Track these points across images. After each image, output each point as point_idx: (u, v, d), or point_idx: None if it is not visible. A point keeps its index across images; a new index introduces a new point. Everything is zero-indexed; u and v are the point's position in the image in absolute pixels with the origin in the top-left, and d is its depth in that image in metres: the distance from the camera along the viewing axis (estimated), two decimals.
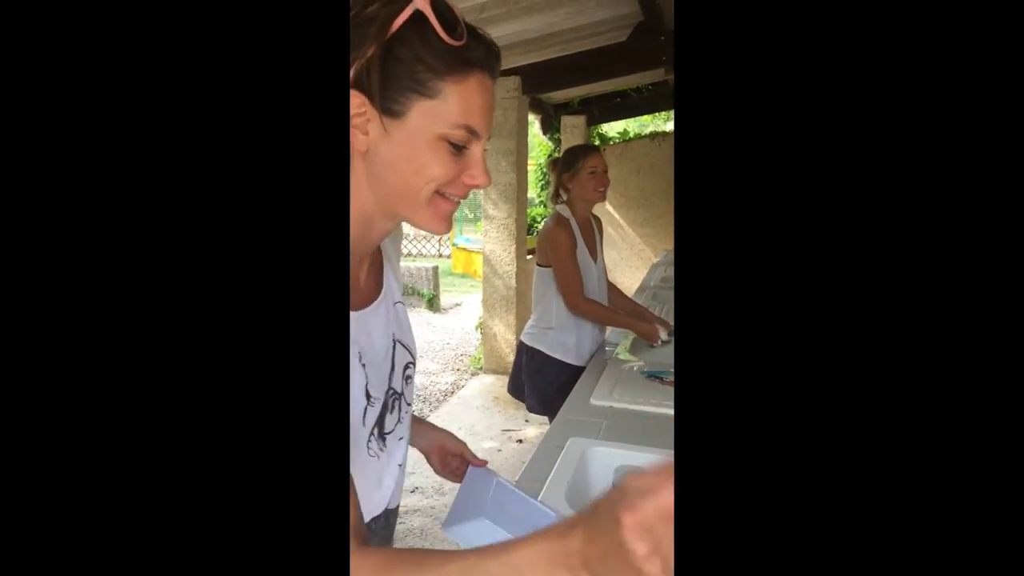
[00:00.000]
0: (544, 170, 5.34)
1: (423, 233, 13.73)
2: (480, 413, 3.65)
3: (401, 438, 0.73)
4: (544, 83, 3.89)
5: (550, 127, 5.69)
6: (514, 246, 3.98)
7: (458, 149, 0.56)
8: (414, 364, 0.76)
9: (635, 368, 1.78)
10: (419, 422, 0.90)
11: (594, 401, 1.54)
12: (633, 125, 7.22)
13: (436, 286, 7.10)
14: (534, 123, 5.72)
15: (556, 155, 5.36)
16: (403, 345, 0.73)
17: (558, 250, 1.92)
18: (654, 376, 1.70)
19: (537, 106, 5.20)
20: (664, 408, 1.48)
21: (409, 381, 0.74)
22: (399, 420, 0.72)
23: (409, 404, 0.75)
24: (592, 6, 2.71)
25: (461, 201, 0.60)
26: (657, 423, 1.42)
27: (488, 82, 0.57)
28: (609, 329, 2.13)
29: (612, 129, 6.31)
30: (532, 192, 7.36)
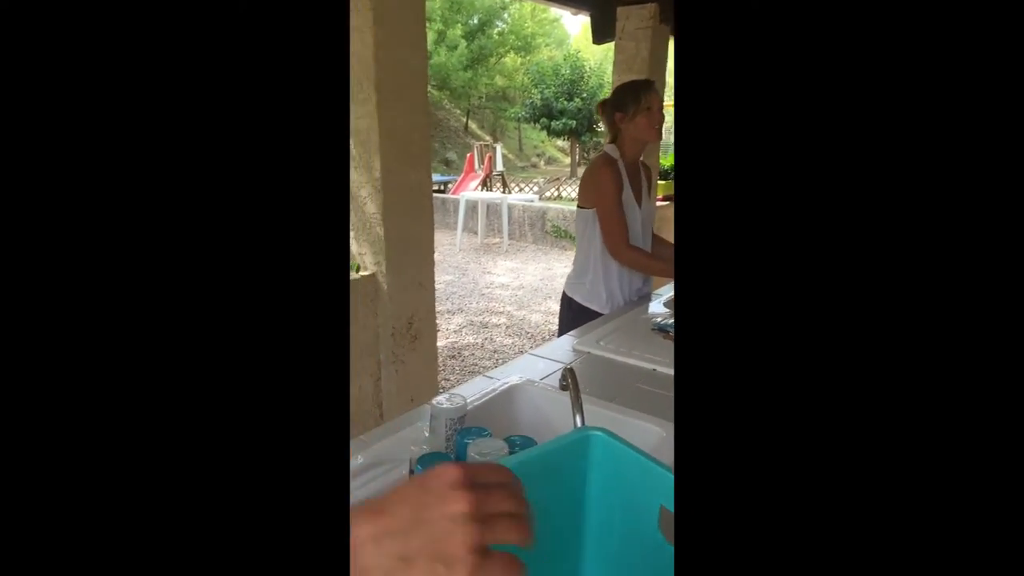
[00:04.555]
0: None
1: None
2: None
3: None
4: None
5: None
6: None
7: None
8: None
9: (660, 320, 1.70)
10: None
11: (577, 346, 1.52)
12: None
13: None
14: None
15: None
16: None
17: (603, 193, 1.86)
18: (661, 329, 1.62)
19: None
20: (633, 359, 1.41)
21: None
22: None
23: None
24: None
25: None
26: (617, 372, 1.36)
27: None
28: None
29: None
30: None
